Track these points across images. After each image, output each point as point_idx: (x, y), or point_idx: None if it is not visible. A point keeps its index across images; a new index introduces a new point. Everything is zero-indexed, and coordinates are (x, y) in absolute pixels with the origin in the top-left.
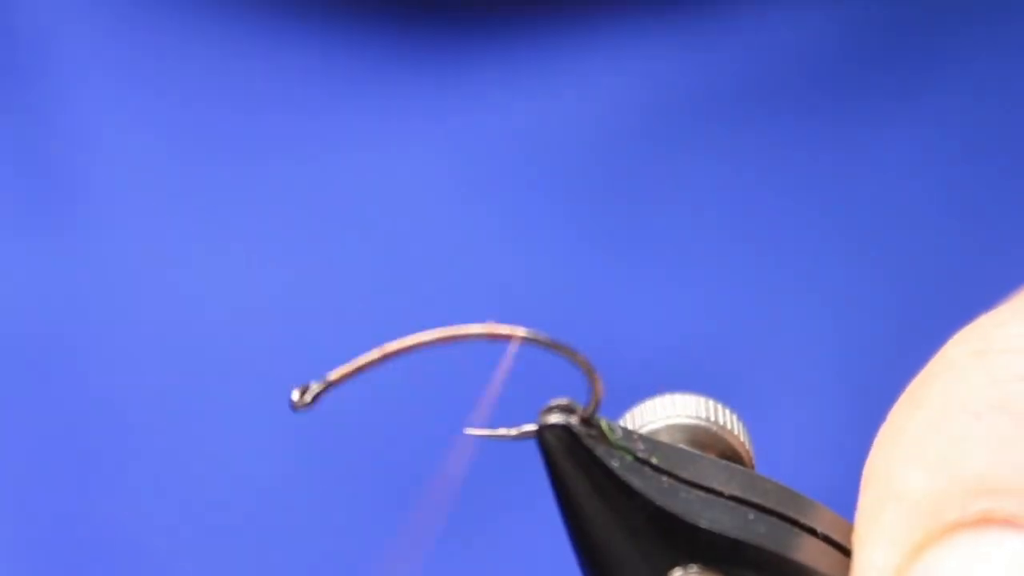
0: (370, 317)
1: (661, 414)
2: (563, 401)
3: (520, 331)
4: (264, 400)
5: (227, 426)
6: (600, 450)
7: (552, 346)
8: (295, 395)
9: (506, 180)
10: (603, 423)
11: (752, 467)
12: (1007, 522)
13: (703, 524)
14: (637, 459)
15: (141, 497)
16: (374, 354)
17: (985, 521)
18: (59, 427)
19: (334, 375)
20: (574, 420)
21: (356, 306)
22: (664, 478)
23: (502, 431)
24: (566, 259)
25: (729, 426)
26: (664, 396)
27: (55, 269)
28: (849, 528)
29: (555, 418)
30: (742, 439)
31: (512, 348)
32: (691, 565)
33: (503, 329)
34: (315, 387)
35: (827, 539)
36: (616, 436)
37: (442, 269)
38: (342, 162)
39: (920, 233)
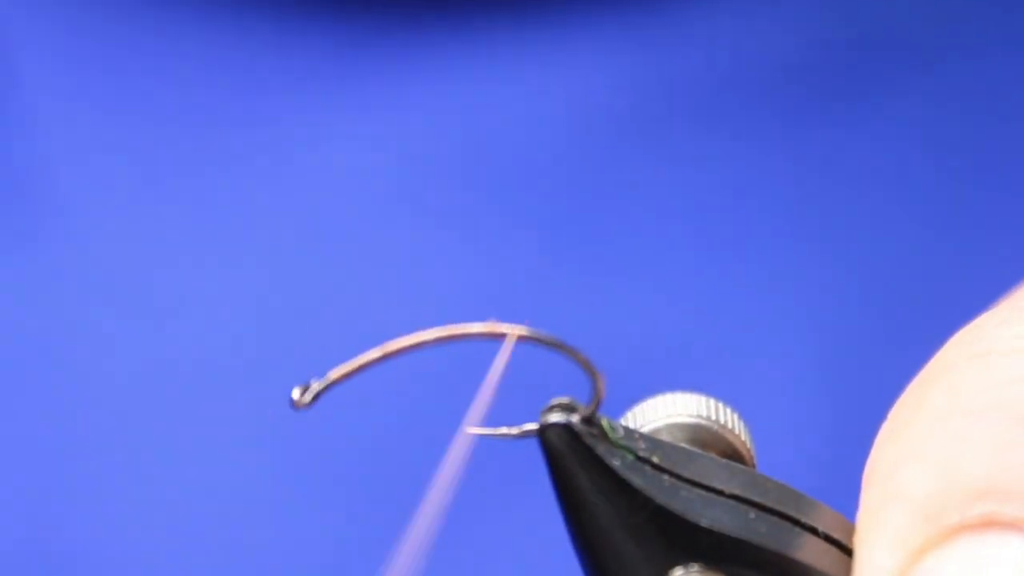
0: (333, 318)
1: (662, 413)
2: (564, 400)
3: (521, 330)
4: (240, 404)
5: (201, 434)
6: (601, 449)
7: (554, 344)
8: (295, 394)
9: (461, 177)
10: (604, 422)
11: (753, 465)
12: (1010, 525)
13: (704, 523)
14: (638, 458)
15: (116, 511)
16: (374, 353)
17: (987, 524)
18: (30, 441)
19: (335, 374)
20: (575, 419)
21: (316, 309)
22: (665, 477)
23: (503, 430)
24: (525, 260)
25: (730, 425)
26: (665, 395)
27: (20, 281)
28: (850, 527)
29: (556, 417)
30: (743, 438)
31: (507, 346)
32: (692, 564)
33: (504, 328)
34: (316, 386)
35: (828, 538)
36: (617, 435)
37: (395, 269)
38: (291, 162)
39: (887, 230)
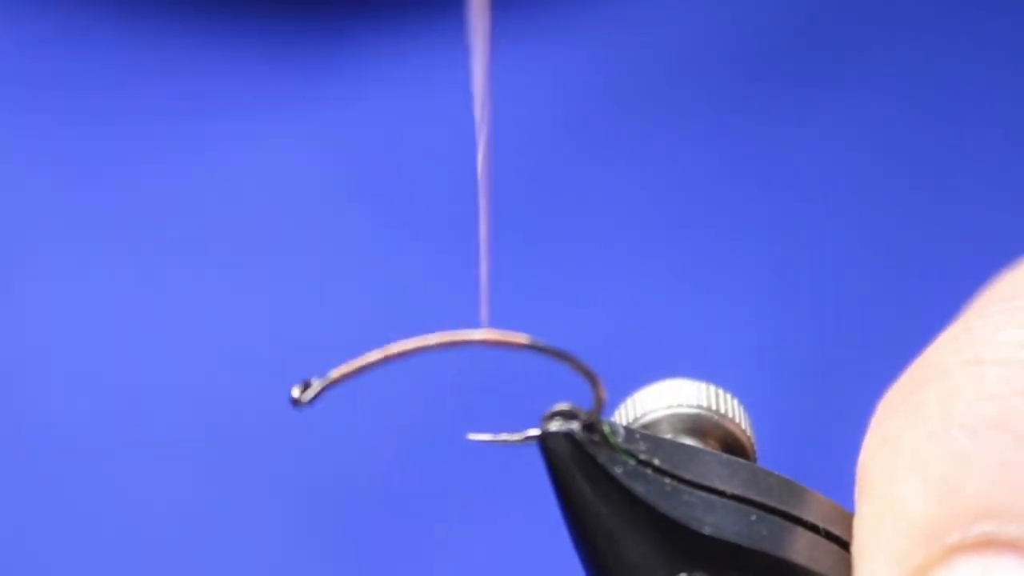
0: (275, 326)
1: (663, 403)
2: (565, 407)
3: (523, 338)
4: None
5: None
6: (603, 457)
7: (554, 353)
8: (295, 392)
9: (406, 176)
10: (605, 427)
11: (754, 452)
12: (1009, 545)
13: (706, 531)
14: (640, 462)
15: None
16: (375, 355)
17: (987, 544)
18: None
19: (335, 374)
20: (576, 426)
21: (256, 316)
22: (667, 480)
23: (504, 436)
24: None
25: (731, 414)
26: (664, 382)
27: None
28: (848, 518)
29: (557, 425)
30: (744, 426)
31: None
32: (696, 572)
33: (505, 336)
34: (316, 385)
35: (828, 535)
36: (618, 439)
37: (347, 272)
38: (219, 165)
39: (837, 222)
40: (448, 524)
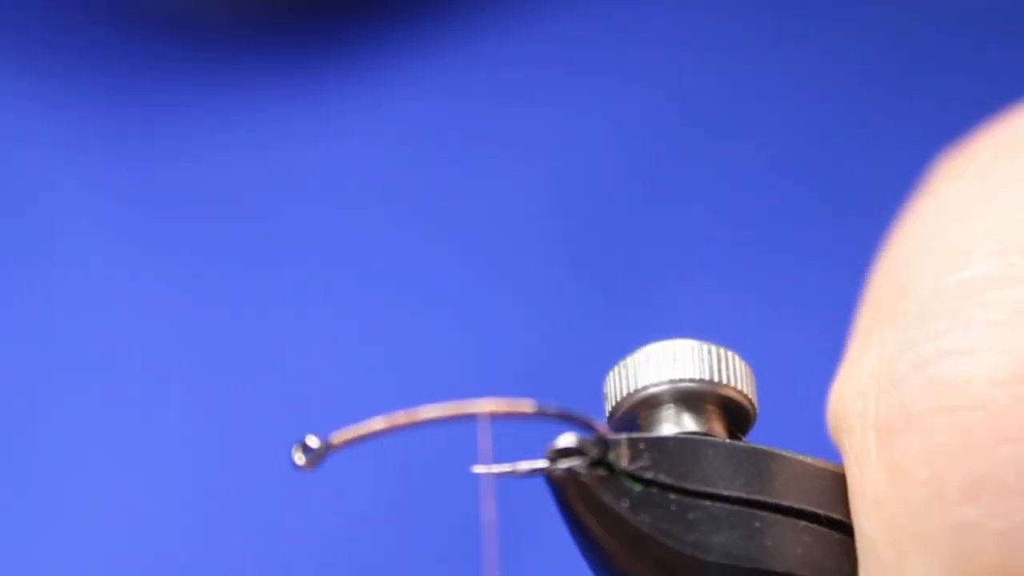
0: (307, 348)
1: (665, 375)
2: (571, 441)
3: (528, 406)
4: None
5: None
6: (608, 496)
7: (561, 416)
8: (297, 457)
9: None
10: (611, 455)
11: (755, 412)
12: None
13: (711, 559)
14: (644, 483)
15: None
16: (379, 423)
17: None
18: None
19: (336, 439)
20: (581, 462)
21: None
22: (671, 497)
23: (508, 468)
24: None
25: (729, 380)
26: (661, 346)
27: None
28: (844, 483)
29: (563, 464)
30: (745, 390)
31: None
32: None
33: (511, 405)
34: (317, 451)
35: (830, 521)
36: (622, 461)
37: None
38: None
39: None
40: (455, 549)
